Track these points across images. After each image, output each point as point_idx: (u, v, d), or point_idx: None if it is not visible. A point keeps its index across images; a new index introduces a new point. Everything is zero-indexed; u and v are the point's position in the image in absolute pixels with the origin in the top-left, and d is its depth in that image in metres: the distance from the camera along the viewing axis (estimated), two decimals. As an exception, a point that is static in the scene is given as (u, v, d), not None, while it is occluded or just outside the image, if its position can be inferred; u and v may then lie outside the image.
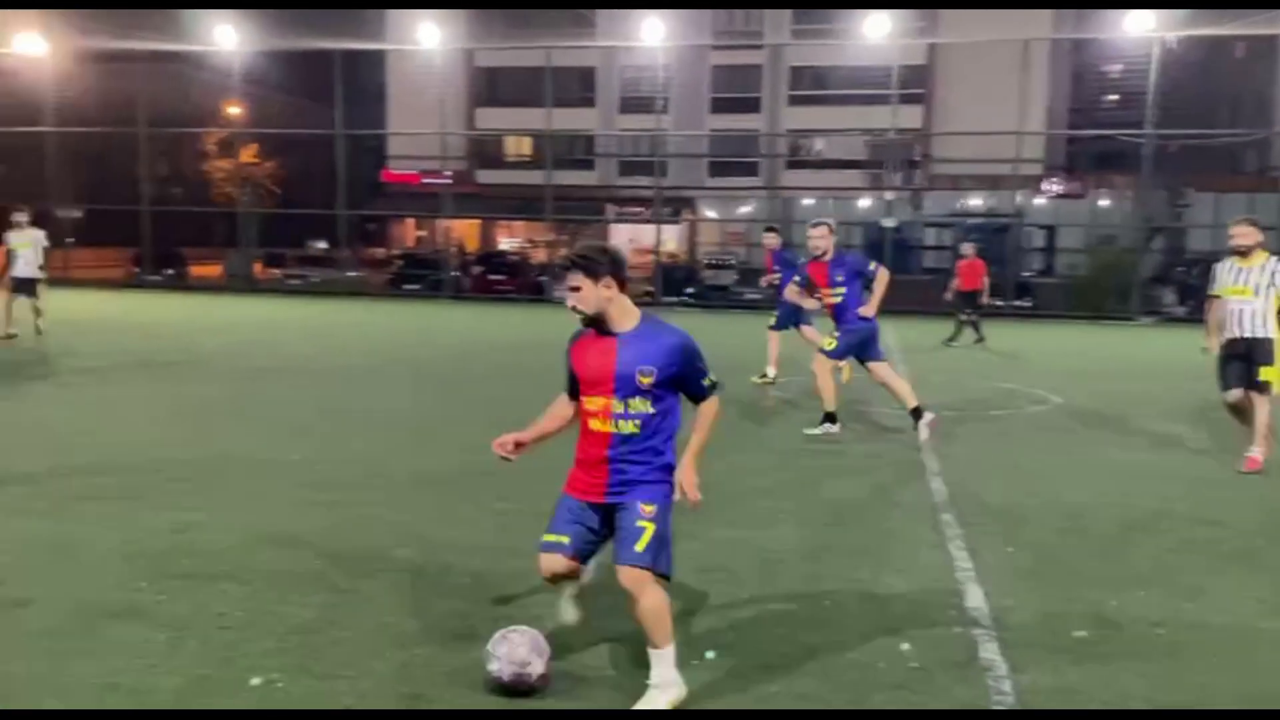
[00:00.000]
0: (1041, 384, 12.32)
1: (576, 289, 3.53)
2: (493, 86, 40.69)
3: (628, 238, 43.68)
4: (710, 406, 3.64)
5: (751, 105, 40.15)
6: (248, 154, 36.67)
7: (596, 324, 3.58)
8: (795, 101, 39.99)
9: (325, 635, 4.06)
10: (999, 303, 26.59)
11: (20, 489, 6.29)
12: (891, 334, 19.72)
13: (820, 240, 8.40)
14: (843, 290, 8.41)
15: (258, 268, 32.94)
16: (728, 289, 30.58)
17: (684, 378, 3.56)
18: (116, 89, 31.85)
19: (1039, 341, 19.45)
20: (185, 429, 8.48)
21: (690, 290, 28.66)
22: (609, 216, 41.88)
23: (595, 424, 3.56)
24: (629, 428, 3.51)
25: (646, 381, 3.48)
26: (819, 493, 6.81)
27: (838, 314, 8.54)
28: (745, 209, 42.29)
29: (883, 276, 8.38)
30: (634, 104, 38.41)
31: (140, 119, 29.92)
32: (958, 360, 15.49)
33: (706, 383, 3.60)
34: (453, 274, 29.78)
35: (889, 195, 34.15)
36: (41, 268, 14.39)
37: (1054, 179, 37.37)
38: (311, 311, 22.76)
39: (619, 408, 3.50)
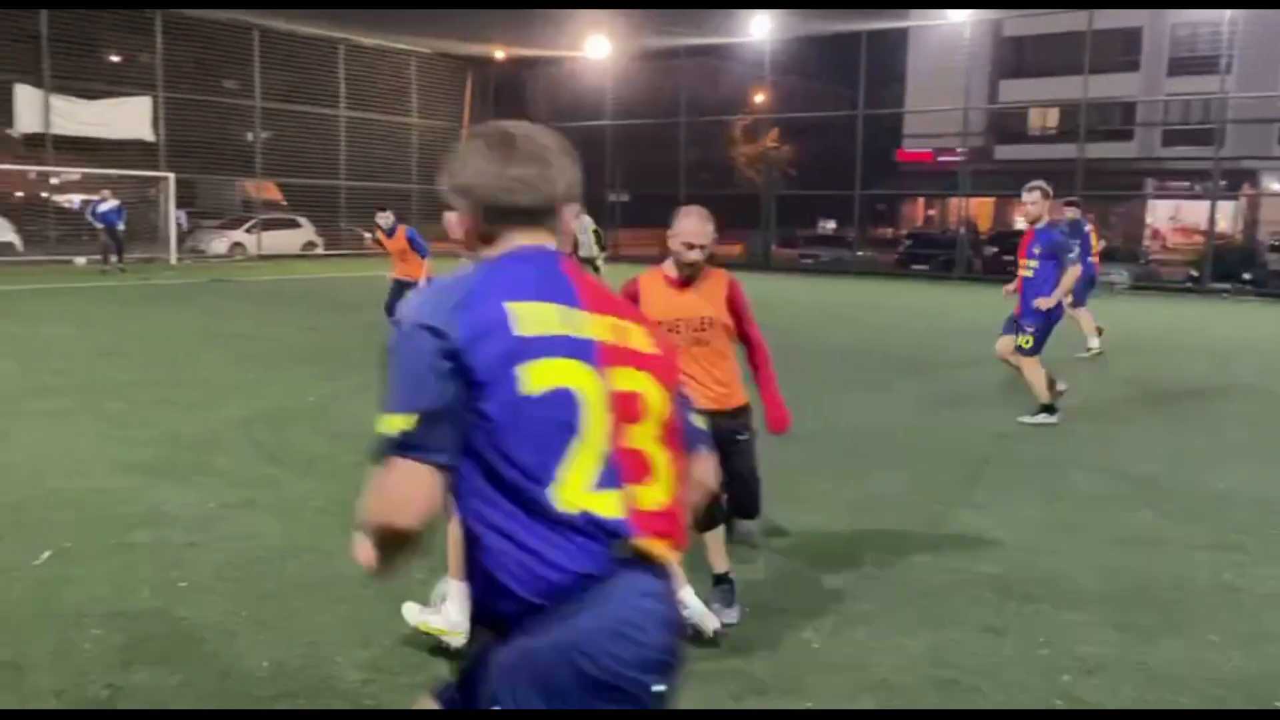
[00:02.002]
0: None
1: None
2: (1020, 56, 38.46)
3: (1167, 216, 39.03)
4: None
5: (1349, 57, 33.43)
6: (770, 138, 38.60)
7: None
8: None
9: (855, 605, 4.13)
10: None
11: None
12: None
13: (1031, 206, 7.75)
14: (1035, 265, 7.78)
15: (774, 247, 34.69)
16: (1298, 275, 25.94)
17: None
18: (660, 84, 35.35)
19: None
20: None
21: (1248, 276, 24.78)
22: (1147, 191, 37.66)
23: None
24: None
25: None
26: None
27: (1024, 289, 7.86)
28: (1326, 182, 35.54)
29: (1073, 271, 7.76)
30: (1187, 65, 33.93)
31: (681, 110, 32.85)
32: None
33: None
34: (966, 254, 28.86)
35: None
36: (599, 249, 16.69)
37: None
38: (837, 290, 23.39)
39: None
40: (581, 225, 16.81)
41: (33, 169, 27.34)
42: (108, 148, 26.53)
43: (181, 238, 27.80)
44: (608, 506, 1.63)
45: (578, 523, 1.60)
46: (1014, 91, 37.91)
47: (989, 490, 6.09)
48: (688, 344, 4.12)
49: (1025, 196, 7.82)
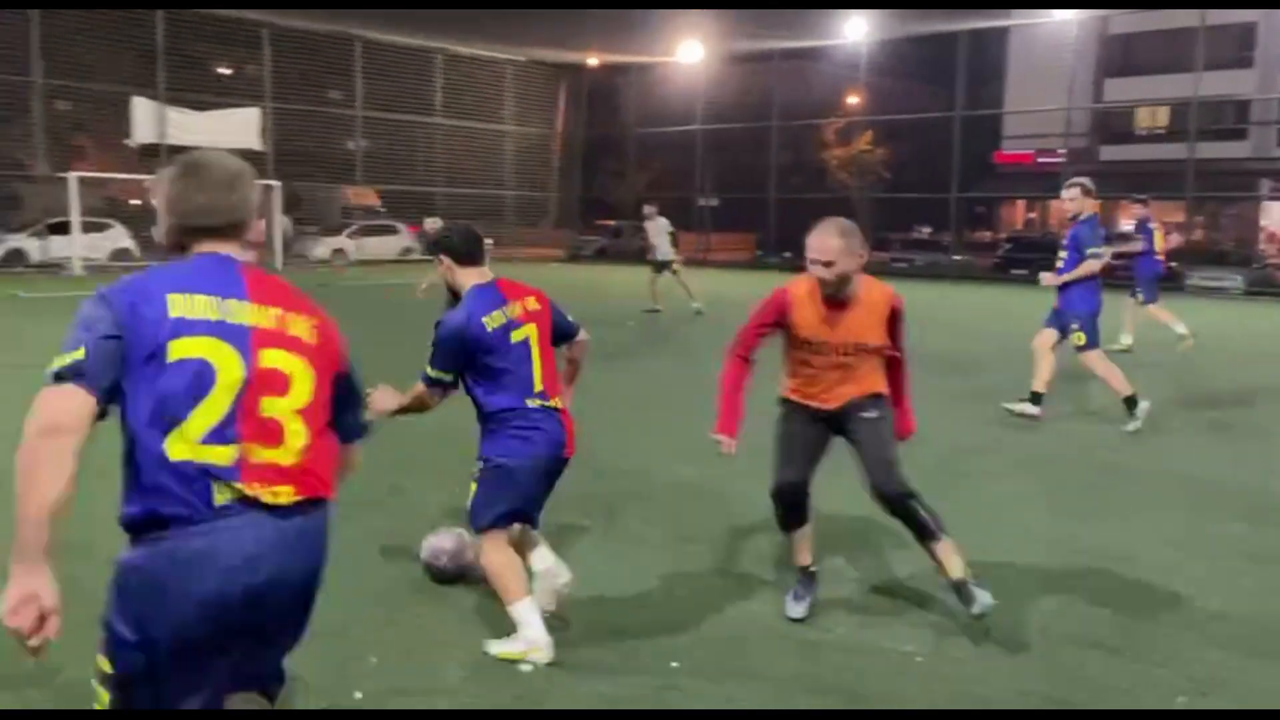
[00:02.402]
0: None
1: None
2: (1126, 54, 37.18)
3: (1284, 218, 37.27)
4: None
5: None
6: (863, 141, 38.08)
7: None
8: None
9: (961, 618, 4.06)
10: None
11: (681, 442, 7.15)
12: None
13: (1070, 203, 7.95)
14: (1064, 257, 7.88)
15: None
16: None
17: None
18: (751, 87, 35.20)
19: None
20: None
21: (1371, 281, 23.58)
22: (1261, 193, 36.02)
23: None
24: None
25: None
26: None
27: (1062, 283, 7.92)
28: None
29: (1088, 265, 7.67)
30: (1306, 60, 32.44)
31: (773, 113, 32.64)
32: None
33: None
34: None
35: None
36: (675, 250, 16.68)
37: None
38: (933, 294, 22.90)
39: None
40: (658, 227, 16.80)
41: (148, 178, 28.57)
42: (217, 157, 27.59)
43: (287, 244, 28.74)
44: (216, 457, 1.99)
45: (184, 468, 1.97)
46: (1119, 90, 36.67)
47: (1099, 504, 5.91)
48: (825, 366, 3.86)
49: (1064, 194, 8.07)
